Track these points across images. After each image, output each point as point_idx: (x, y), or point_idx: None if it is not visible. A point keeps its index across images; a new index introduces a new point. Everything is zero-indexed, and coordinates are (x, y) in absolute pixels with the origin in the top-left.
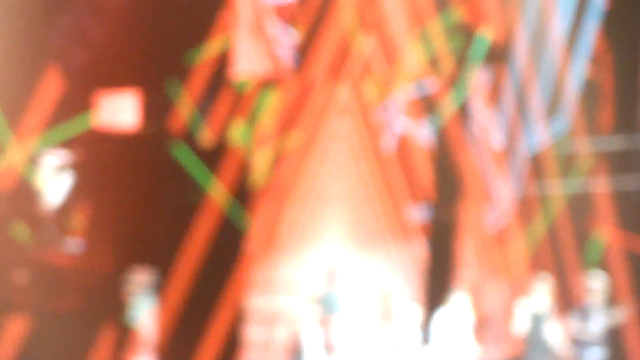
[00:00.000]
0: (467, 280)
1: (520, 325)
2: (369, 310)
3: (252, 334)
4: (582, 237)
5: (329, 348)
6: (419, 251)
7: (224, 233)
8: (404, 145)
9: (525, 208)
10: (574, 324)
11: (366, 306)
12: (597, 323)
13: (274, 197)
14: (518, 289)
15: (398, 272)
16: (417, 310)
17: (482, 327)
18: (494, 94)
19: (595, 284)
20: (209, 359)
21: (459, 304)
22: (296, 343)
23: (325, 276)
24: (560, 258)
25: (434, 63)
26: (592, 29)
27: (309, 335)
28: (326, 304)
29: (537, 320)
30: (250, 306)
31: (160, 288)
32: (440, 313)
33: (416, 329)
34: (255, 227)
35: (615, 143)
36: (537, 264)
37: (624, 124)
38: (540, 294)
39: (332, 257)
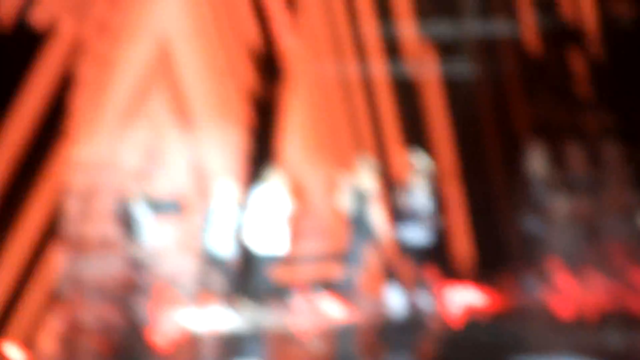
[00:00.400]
0: (288, 160)
1: (344, 204)
2: (188, 188)
3: (72, 206)
4: (408, 118)
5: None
6: (239, 130)
7: (46, 112)
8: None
9: (349, 89)
10: (397, 202)
11: (186, 183)
12: (420, 201)
13: (96, 76)
14: (341, 169)
15: (218, 150)
16: (235, 188)
17: (304, 206)
18: None
19: (418, 164)
20: (29, 233)
21: (277, 183)
22: (122, 214)
23: (145, 154)
24: (382, 138)
25: None
26: None
27: (133, 208)
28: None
29: (360, 200)
30: (72, 181)
31: None
32: (258, 190)
33: (233, 206)
34: (78, 104)
35: (442, 28)
36: (360, 145)
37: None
38: (363, 174)
39: (152, 136)
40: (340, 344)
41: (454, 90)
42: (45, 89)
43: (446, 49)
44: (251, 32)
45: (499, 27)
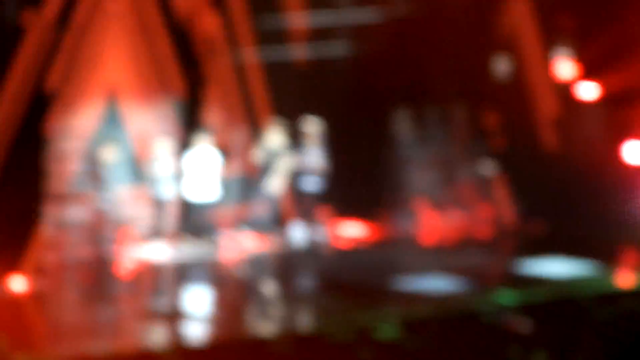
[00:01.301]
0: (215, 122)
1: (257, 158)
2: (137, 150)
3: (53, 168)
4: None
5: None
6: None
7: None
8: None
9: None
10: (296, 159)
11: (130, 145)
12: (313, 159)
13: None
14: (256, 132)
15: (157, 115)
16: (171, 148)
17: (228, 161)
18: None
19: (310, 129)
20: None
21: (207, 145)
22: (91, 173)
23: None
24: (286, 108)
25: None
26: None
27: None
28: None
29: (271, 156)
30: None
31: None
32: (193, 151)
33: (170, 166)
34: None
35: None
36: (276, 110)
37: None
38: (274, 135)
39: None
40: (257, 269)
41: (334, 68)
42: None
43: (324, 34)
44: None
45: (365, 15)
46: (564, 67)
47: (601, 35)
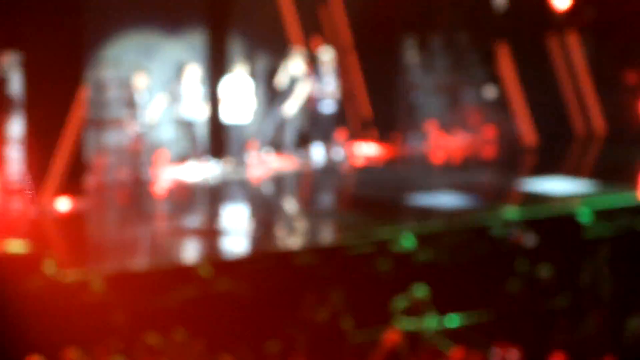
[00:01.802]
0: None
1: (282, 82)
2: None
3: (93, 96)
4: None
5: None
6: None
7: None
8: None
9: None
10: (313, 84)
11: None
12: (329, 84)
13: None
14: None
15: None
16: (201, 74)
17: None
18: None
19: (325, 56)
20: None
21: (241, 71)
22: (128, 100)
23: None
24: (306, 38)
25: None
26: None
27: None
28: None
29: (293, 80)
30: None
31: None
32: (227, 77)
33: (200, 90)
34: None
35: None
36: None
37: None
38: (296, 61)
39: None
40: (285, 185)
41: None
42: None
43: None
44: None
45: None
46: None
47: None
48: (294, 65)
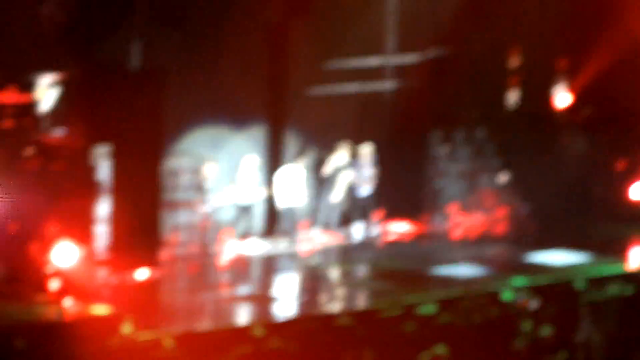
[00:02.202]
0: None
1: (328, 171)
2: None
3: (167, 181)
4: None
5: None
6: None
7: None
8: None
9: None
10: (353, 173)
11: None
12: (366, 174)
13: None
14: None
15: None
16: (258, 164)
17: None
18: None
19: (364, 151)
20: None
21: (296, 164)
22: (197, 185)
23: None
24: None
25: None
26: None
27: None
28: None
29: (336, 171)
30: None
31: None
32: (285, 169)
33: (257, 178)
34: None
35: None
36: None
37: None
38: (342, 153)
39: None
40: (328, 258)
41: (383, 101)
42: None
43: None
44: None
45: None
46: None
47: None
48: (339, 157)
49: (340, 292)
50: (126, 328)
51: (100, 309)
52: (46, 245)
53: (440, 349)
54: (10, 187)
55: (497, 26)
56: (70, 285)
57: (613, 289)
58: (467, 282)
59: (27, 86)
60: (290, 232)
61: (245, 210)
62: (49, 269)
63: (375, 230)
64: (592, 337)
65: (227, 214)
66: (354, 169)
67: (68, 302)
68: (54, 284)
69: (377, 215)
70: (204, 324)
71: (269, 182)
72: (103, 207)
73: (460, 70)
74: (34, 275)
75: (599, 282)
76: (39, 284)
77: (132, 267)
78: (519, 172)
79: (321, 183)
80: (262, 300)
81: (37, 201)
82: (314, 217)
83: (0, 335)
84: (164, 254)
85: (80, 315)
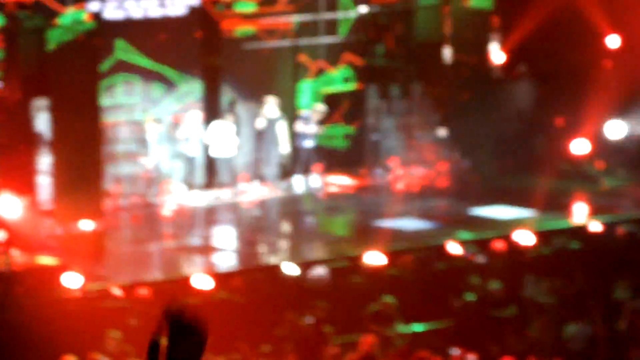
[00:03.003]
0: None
1: (259, 125)
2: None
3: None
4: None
5: None
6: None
7: None
8: None
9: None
10: (298, 125)
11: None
12: (312, 127)
13: None
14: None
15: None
16: (199, 118)
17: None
18: None
19: (318, 108)
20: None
21: (228, 114)
22: (138, 137)
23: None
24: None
25: None
26: None
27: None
28: None
29: (270, 122)
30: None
31: None
32: (216, 120)
33: (198, 131)
34: None
35: None
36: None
37: None
38: (271, 105)
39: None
40: (267, 210)
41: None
42: None
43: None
44: None
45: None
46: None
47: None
48: (269, 110)
49: (284, 244)
50: (72, 278)
51: (45, 260)
52: None
53: (389, 300)
54: None
55: None
56: (15, 237)
57: (558, 243)
58: (413, 236)
59: None
60: (229, 184)
61: (186, 162)
62: None
63: (317, 183)
64: (539, 291)
65: (168, 166)
66: (296, 121)
67: (13, 253)
68: None
69: (318, 167)
70: (150, 275)
71: (208, 133)
72: (45, 160)
73: (396, 26)
74: None
75: (544, 237)
76: None
77: (75, 218)
78: (458, 127)
79: (260, 136)
80: (205, 251)
81: None
82: (253, 169)
83: None
84: (107, 205)
85: (26, 266)
